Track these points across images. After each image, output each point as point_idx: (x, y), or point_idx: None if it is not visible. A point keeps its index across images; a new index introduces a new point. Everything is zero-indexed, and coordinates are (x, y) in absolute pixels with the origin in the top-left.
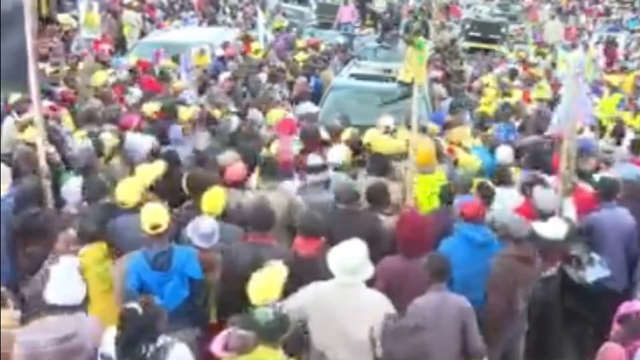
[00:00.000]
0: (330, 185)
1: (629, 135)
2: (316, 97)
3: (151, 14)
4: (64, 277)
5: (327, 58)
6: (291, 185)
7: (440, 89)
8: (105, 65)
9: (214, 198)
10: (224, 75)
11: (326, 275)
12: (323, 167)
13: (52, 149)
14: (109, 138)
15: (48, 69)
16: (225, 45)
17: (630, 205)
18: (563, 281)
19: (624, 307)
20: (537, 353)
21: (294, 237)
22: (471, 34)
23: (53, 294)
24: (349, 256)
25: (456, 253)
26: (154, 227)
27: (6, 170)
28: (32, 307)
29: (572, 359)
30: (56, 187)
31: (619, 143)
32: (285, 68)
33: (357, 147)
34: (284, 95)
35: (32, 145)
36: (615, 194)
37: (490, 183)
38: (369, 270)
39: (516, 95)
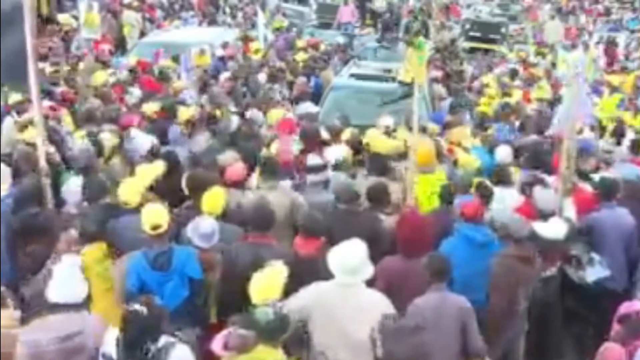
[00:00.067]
0: (330, 185)
1: (629, 135)
2: (316, 97)
3: (151, 14)
4: (66, 276)
5: (327, 58)
6: (285, 185)
7: (440, 89)
8: (105, 65)
9: (214, 198)
10: (224, 76)
11: (326, 275)
12: (322, 167)
13: (52, 149)
14: (108, 138)
15: (48, 69)
16: (225, 45)
17: (630, 205)
18: (563, 281)
19: (624, 307)
20: (537, 353)
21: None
22: (471, 34)
23: (55, 293)
24: (349, 256)
25: (456, 253)
26: (155, 228)
27: (6, 170)
28: (34, 307)
29: (572, 359)
30: (56, 187)
31: (619, 143)
32: (285, 68)
33: (357, 147)
34: (284, 95)
35: (32, 145)
36: (615, 194)
37: (488, 183)
38: (369, 270)
39: (516, 95)
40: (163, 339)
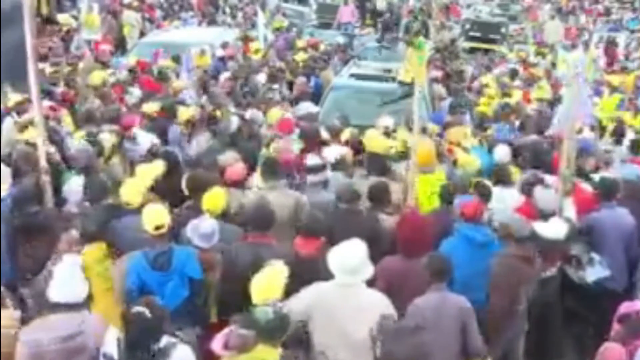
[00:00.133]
0: (329, 184)
1: (629, 135)
2: (316, 97)
3: (151, 14)
4: (67, 275)
5: (327, 58)
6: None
7: (440, 89)
8: (105, 65)
9: (214, 198)
10: (224, 76)
11: (326, 275)
12: (322, 167)
13: (52, 149)
14: (107, 138)
15: (48, 69)
16: (225, 45)
17: (630, 205)
18: (563, 281)
19: (624, 307)
20: (537, 353)
21: None
22: (471, 34)
23: (56, 292)
24: (349, 257)
25: (456, 253)
26: (158, 228)
27: (6, 170)
28: (36, 307)
29: (572, 359)
30: (56, 187)
31: (619, 143)
32: (285, 68)
33: (357, 147)
34: (284, 95)
35: (32, 145)
36: (615, 194)
37: (487, 182)
38: (369, 270)
39: (516, 96)
40: (165, 339)
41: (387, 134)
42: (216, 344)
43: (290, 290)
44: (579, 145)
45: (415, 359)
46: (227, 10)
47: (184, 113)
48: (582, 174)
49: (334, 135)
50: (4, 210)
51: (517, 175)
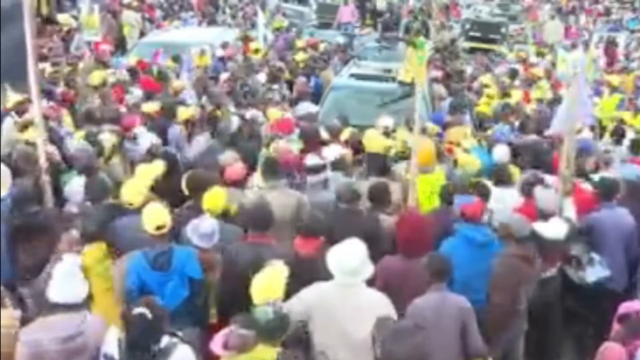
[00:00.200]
0: (329, 184)
1: (629, 135)
2: (316, 97)
3: (151, 14)
4: (66, 276)
5: (327, 58)
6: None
7: (440, 89)
8: (105, 65)
9: (214, 198)
10: (224, 76)
11: (326, 275)
12: (322, 167)
13: (52, 149)
14: (107, 138)
15: (48, 69)
16: (225, 45)
17: (630, 205)
18: (563, 281)
19: (624, 307)
20: (537, 353)
21: None
22: (471, 34)
23: (55, 292)
24: (349, 257)
25: (456, 253)
26: (159, 228)
27: (6, 171)
28: (37, 307)
29: (572, 359)
30: (57, 187)
31: (619, 143)
32: (285, 68)
33: (356, 147)
34: (283, 95)
35: (32, 144)
36: (615, 194)
37: (486, 182)
38: (369, 270)
39: (516, 96)
40: (165, 340)
41: (387, 134)
42: (216, 344)
43: (290, 290)
44: (579, 145)
45: (415, 359)
46: (227, 10)
47: (184, 113)
48: (582, 174)
49: (334, 135)
50: (4, 210)
51: (517, 175)
